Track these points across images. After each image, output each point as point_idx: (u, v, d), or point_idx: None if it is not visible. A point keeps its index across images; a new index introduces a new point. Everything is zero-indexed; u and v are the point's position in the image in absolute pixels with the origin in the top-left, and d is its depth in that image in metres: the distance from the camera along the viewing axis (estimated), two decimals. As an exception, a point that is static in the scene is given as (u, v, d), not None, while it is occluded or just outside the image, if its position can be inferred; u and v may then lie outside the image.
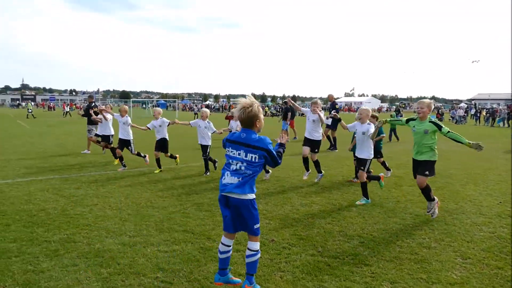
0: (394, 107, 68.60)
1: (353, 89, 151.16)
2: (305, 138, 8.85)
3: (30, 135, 20.30)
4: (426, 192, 6.18)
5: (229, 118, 17.53)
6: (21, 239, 5.19)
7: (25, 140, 17.68)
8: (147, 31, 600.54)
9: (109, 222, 5.96)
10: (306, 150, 8.82)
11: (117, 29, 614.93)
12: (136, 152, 10.85)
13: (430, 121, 5.93)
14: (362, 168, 7.23)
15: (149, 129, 10.24)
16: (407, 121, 6.36)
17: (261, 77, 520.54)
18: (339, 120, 8.55)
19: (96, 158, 12.37)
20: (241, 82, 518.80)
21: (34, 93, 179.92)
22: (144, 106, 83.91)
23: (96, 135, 12.87)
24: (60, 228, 5.66)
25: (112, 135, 12.05)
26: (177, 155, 10.92)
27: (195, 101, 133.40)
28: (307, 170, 9.09)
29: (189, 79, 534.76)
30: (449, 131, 5.79)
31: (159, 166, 10.25)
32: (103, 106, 12.51)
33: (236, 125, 9.54)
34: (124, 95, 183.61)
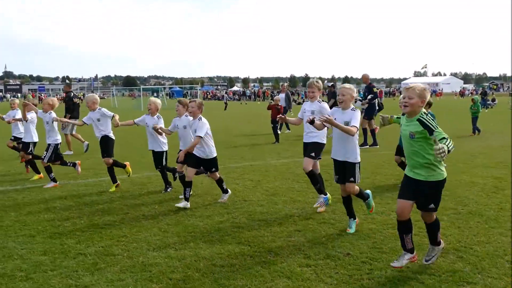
0: (480, 89, 66.86)
1: (425, 67, 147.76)
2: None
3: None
4: (433, 228, 5.23)
5: (272, 107, 17.93)
6: (52, 252, 5.78)
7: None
8: (153, 1, 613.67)
9: (147, 233, 6.49)
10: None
11: (115, 2, 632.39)
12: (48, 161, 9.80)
13: (418, 119, 4.90)
14: (352, 179, 6.50)
15: (86, 123, 9.48)
16: (398, 118, 5.62)
17: (302, 55, 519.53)
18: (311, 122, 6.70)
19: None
20: (276, 61, 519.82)
21: (19, 82, 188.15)
22: (155, 94, 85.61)
23: (15, 138, 12.30)
24: (92, 239, 6.23)
25: (35, 142, 11.05)
26: (127, 163, 9.83)
27: (218, 86, 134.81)
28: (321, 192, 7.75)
29: (209, 60, 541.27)
30: (444, 137, 4.65)
31: (113, 180, 9.40)
32: (27, 100, 11.36)
33: (182, 123, 8.59)
34: (129, 82, 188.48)
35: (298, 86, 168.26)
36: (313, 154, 7.42)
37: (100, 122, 9.36)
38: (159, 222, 7.04)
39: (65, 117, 14.40)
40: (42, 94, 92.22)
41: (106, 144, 9.39)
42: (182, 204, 7.81)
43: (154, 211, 7.65)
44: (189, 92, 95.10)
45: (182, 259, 5.47)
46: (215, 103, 72.22)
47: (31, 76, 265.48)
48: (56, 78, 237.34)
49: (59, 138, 10.01)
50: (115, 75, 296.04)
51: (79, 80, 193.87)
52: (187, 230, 6.59)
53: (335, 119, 6.40)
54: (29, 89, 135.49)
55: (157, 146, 8.99)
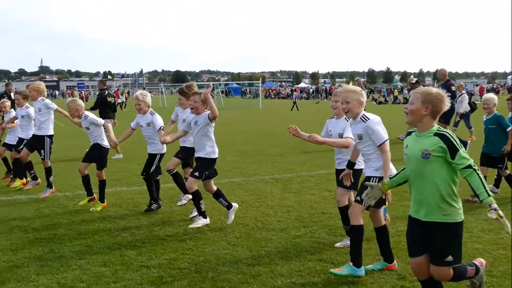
0: None
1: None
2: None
3: (69, 136, 22.57)
4: (461, 279, 4.63)
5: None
6: (112, 263, 6.23)
7: (66, 143, 19.79)
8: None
9: (214, 246, 6.84)
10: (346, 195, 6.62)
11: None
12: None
13: (437, 133, 4.19)
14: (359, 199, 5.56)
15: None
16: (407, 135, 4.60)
17: (383, 45, 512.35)
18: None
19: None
20: (351, 53, 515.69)
21: (56, 78, 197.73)
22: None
23: (6, 144, 11.73)
24: (155, 251, 6.64)
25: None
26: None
27: (283, 83, 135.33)
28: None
29: (271, 53, 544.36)
30: (470, 166, 4.07)
31: (89, 193, 9.44)
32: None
33: (190, 117, 7.88)
34: (179, 77, 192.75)
35: (378, 82, 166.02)
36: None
37: (90, 130, 9.30)
38: (227, 234, 7.37)
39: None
40: (83, 92, 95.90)
41: (97, 154, 9.33)
42: (199, 223, 7.74)
43: (219, 223, 7.99)
44: (248, 90, 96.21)
45: (257, 276, 5.74)
46: (279, 102, 72.86)
47: (69, 72, 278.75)
48: (97, 74, 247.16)
49: (51, 130, 10.42)
50: (163, 70, 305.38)
51: (122, 76, 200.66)
52: (259, 245, 6.87)
53: (330, 131, 6.41)
54: (67, 86, 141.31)
55: (152, 147, 8.85)
